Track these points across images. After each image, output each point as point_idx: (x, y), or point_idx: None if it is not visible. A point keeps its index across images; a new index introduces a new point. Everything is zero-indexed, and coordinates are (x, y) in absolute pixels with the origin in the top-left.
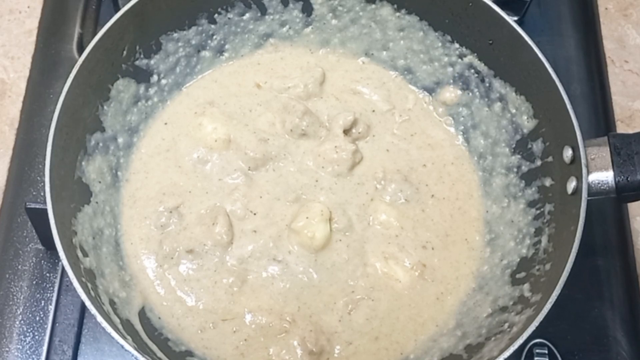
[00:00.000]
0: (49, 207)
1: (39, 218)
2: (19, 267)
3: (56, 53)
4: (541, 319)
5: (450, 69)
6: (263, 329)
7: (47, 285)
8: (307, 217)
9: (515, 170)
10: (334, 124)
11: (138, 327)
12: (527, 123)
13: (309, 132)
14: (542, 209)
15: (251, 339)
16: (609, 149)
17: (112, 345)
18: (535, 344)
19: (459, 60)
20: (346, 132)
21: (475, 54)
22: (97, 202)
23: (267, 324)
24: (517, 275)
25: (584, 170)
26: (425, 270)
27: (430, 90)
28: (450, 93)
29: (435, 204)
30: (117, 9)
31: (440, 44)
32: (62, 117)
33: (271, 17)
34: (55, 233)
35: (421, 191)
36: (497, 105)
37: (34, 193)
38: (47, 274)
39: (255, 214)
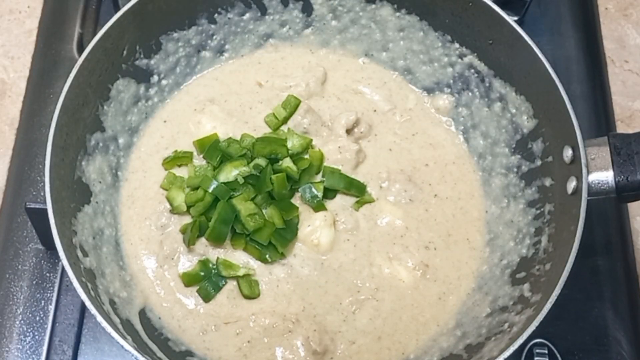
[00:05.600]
0: (49, 207)
1: (39, 218)
2: (19, 267)
3: (56, 53)
4: (541, 319)
5: (450, 69)
6: (266, 330)
7: (47, 285)
8: (309, 226)
9: (515, 170)
10: (337, 123)
11: (138, 327)
12: (527, 123)
13: (311, 131)
14: (542, 209)
15: (254, 340)
16: (609, 149)
17: (112, 345)
18: (535, 344)
19: (459, 60)
20: (348, 131)
21: (475, 54)
22: (97, 202)
23: (271, 325)
24: (517, 275)
25: (584, 170)
26: (428, 270)
27: (430, 91)
28: (444, 100)
29: (438, 203)
30: (117, 9)
31: (440, 44)
32: (62, 117)
33: (271, 17)
34: (55, 233)
35: (424, 191)
36: (497, 105)
37: (34, 193)
38: (47, 274)
39: None
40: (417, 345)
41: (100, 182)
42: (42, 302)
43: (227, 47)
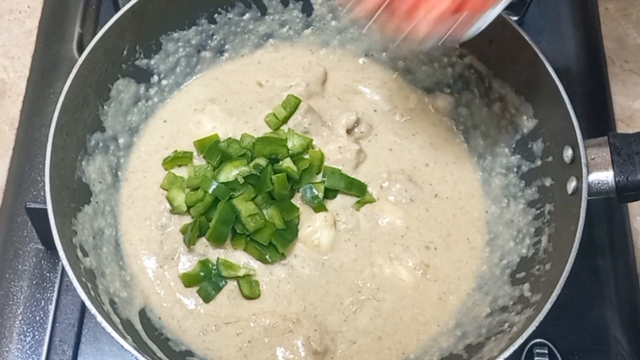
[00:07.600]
0: (49, 207)
1: (39, 218)
2: (19, 267)
3: (56, 53)
4: (541, 319)
5: (450, 69)
6: (267, 330)
7: (47, 285)
8: (309, 226)
9: (515, 170)
10: (337, 123)
11: (138, 326)
12: (527, 123)
13: (311, 131)
14: (542, 209)
15: (255, 341)
16: (609, 149)
17: (112, 345)
18: (535, 344)
19: (459, 60)
20: (349, 131)
21: (475, 54)
22: (97, 202)
23: (272, 325)
24: (517, 275)
25: (584, 170)
26: (428, 270)
27: (430, 91)
28: (444, 100)
29: (439, 203)
30: (117, 9)
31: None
32: (62, 117)
33: (271, 17)
34: (55, 233)
35: (425, 190)
36: (497, 105)
37: (34, 193)
38: (47, 274)
39: None
40: (417, 345)
41: (100, 182)
42: (42, 302)
43: (227, 47)
